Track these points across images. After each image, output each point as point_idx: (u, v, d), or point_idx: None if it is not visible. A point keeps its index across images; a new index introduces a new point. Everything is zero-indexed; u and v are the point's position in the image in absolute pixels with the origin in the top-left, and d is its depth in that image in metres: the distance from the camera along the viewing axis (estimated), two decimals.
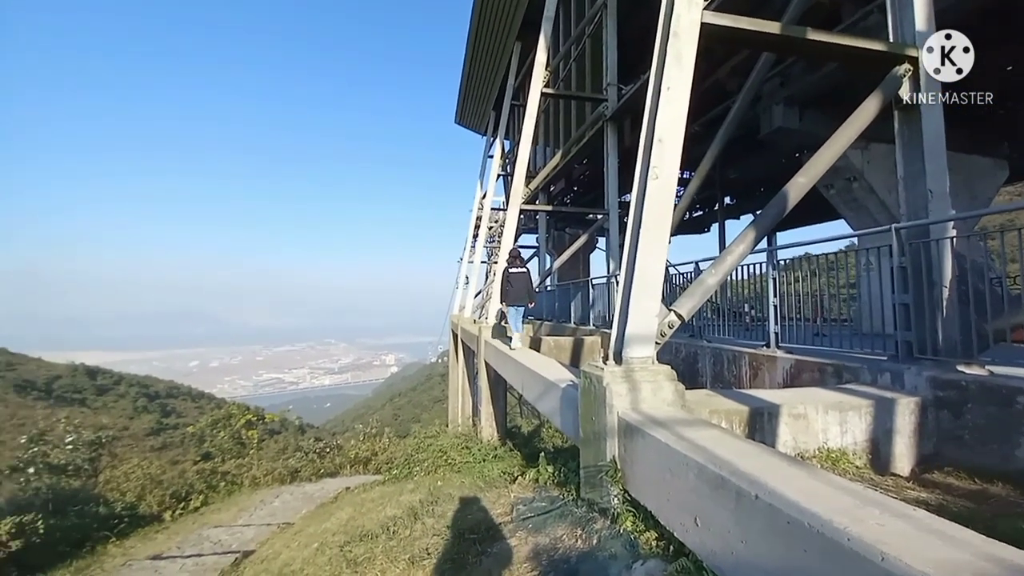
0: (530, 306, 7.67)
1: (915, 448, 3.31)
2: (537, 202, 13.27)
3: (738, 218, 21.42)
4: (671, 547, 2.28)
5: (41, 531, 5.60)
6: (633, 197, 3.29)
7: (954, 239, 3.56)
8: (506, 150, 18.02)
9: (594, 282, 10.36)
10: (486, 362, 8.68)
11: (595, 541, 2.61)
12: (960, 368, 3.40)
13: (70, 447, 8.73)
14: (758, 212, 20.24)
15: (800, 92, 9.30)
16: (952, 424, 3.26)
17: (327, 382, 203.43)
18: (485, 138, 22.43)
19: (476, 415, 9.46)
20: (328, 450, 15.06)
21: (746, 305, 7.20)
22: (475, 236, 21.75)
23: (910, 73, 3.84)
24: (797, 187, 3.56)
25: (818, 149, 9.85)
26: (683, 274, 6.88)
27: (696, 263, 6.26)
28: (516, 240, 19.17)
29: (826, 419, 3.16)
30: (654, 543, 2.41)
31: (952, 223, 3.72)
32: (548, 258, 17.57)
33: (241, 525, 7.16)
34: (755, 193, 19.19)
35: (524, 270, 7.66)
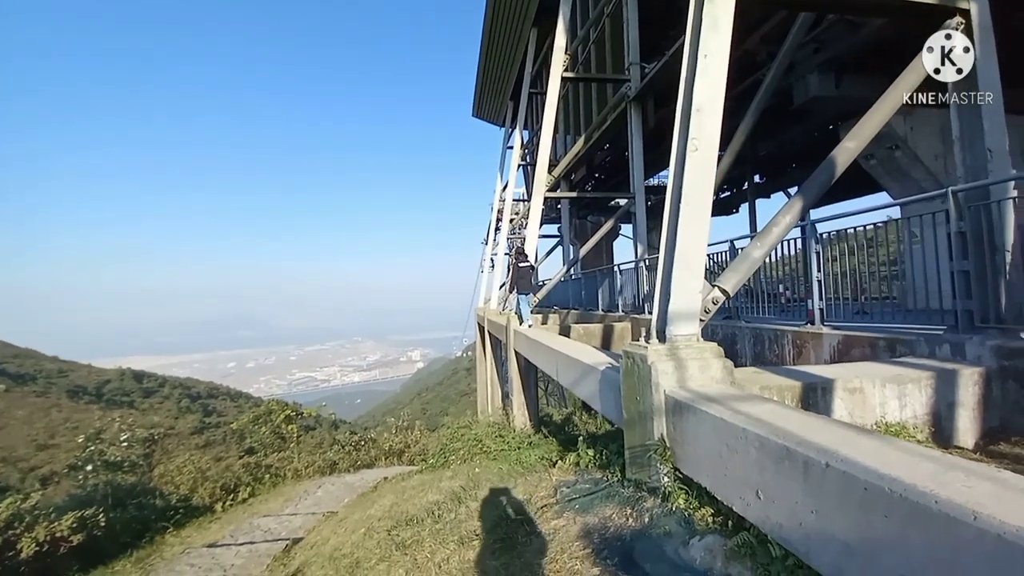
0: (533, 298, 8.73)
1: (980, 421, 3.15)
2: (559, 190, 13.13)
3: (768, 197, 20.70)
4: (729, 522, 2.23)
5: (103, 524, 5.95)
6: (671, 171, 3.20)
7: (1016, 199, 3.32)
8: (525, 140, 17.87)
9: (621, 268, 10.23)
10: (516, 351, 8.70)
11: (646, 520, 2.59)
12: None
13: (125, 444, 9.23)
14: (791, 189, 19.52)
15: (836, 57, 8.85)
16: (1020, 395, 3.07)
17: (357, 379, 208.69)
18: (504, 129, 22.31)
19: (508, 404, 9.52)
20: (363, 443, 15.48)
21: (781, 286, 6.97)
22: (497, 228, 21.76)
23: (963, 26, 3.60)
24: (846, 152, 3.39)
25: (859, 115, 9.36)
26: (717, 254, 6.69)
27: (731, 241, 6.09)
28: (539, 229, 19.13)
29: (884, 393, 3.02)
30: (710, 519, 2.37)
31: (1014, 184, 3.47)
32: (571, 247, 17.42)
33: (288, 514, 7.45)
34: (787, 170, 18.47)
35: (528, 264, 8.79)
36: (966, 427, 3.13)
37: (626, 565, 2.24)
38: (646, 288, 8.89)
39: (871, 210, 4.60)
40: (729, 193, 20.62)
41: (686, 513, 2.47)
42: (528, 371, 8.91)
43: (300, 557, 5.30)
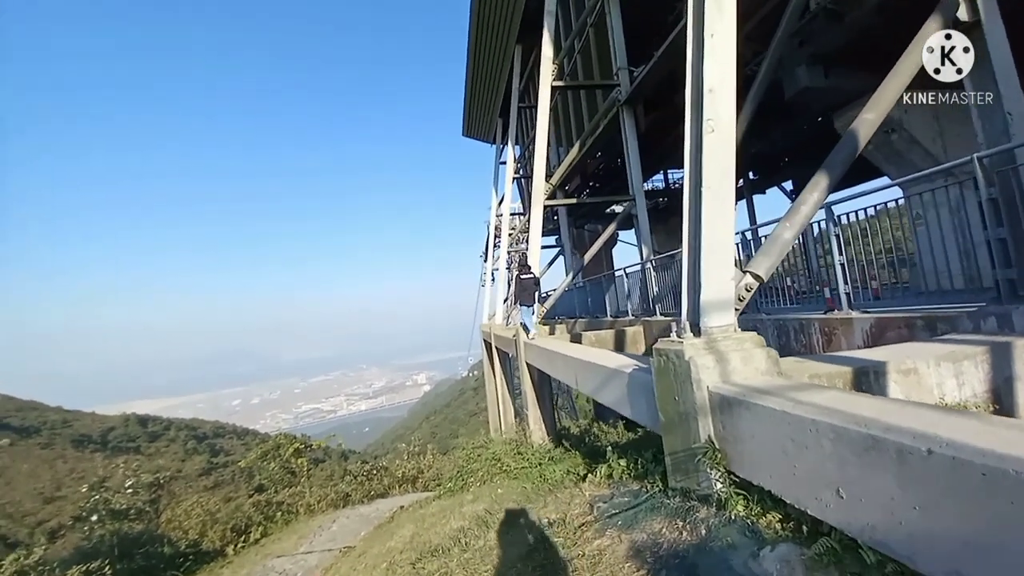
0: (533, 308, 8.76)
1: None
2: (557, 199, 13.06)
3: (764, 192, 20.71)
4: (804, 527, 2.00)
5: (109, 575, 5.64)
6: (687, 158, 3.05)
7: None
8: (517, 155, 17.93)
9: (628, 271, 10.05)
10: (528, 364, 8.46)
11: (703, 532, 2.34)
12: None
13: (130, 491, 8.87)
14: (785, 184, 19.49)
15: (823, 48, 8.88)
16: None
17: (363, 407, 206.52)
18: (495, 146, 22.44)
19: (523, 420, 9.23)
20: (375, 472, 15.07)
21: (788, 279, 6.81)
22: (496, 243, 21.68)
23: None
24: (867, 124, 3.26)
25: (849, 104, 9.26)
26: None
27: (742, 233, 5.93)
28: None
29: (939, 372, 2.81)
30: (778, 526, 2.14)
31: None
32: (572, 256, 17.29)
33: (303, 553, 7.09)
34: (779, 165, 18.52)
35: (531, 276, 8.82)
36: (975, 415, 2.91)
37: None
38: (655, 289, 8.70)
39: (869, 192, 4.45)
40: None
41: (748, 521, 2.23)
42: (542, 383, 8.65)
43: None
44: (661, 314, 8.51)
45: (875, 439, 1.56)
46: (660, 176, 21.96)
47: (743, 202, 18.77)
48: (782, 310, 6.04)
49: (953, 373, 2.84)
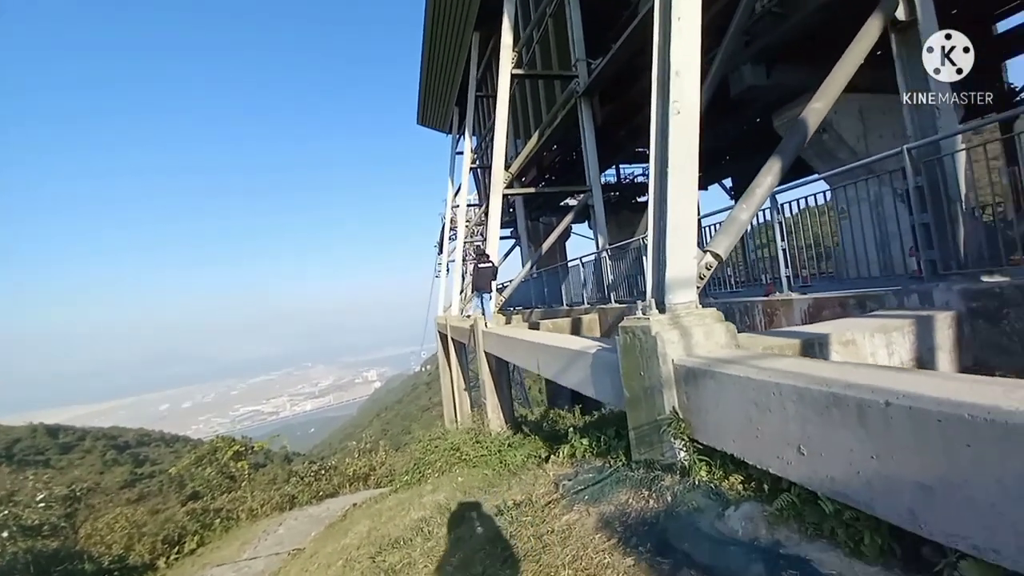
0: (488, 295, 8.91)
1: (957, 361, 3.27)
2: (514, 188, 13.03)
3: (706, 189, 21.86)
4: (764, 487, 2.09)
5: None
6: (653, 139, 3.09)
7: (967, 150, 3.53)
8: (474, 145, 17.70)
9: (584, 260, 10.23)
10: (486, 352, 8.39)
11: (669, 499, 2.40)
12: (984, 279, 3.38)
13: (42, 505, 7.87)
14: (725, 181, 20.61)
15: (766, 48, 9.39)
16: (991, 332, 3.22)
17: (309, 407, 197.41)
18: (451, 136, 22.02)
19: (481, 409, 9.17)
20: (323, 472, 14.44)
21: (728, 269, 7.23)
22: (452, 235, 21.35)
23: None
24: (815, 113, 3.47)
25: (788, 103, 9.77)
26: None
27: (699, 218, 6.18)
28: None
29: (873, 342, 3.06)
30: (740, 487, 2.23)
31: (961, 138, 3.70)
32: (528, 248, 17.38)
33: (247, 559, 6.62)
34: (721, 162, 19.56)
35: (488, 265, 8.86)
36: (946, 368, 3.24)
37: (661, 549, 2.02)
38: (610, 278, 8.91)
39: (803, 184, 4.80)
40: None
41: (711, 485, 2.31)
42: (500, 372, 8.62)
43: None
44: (616, 302, 8.73)
45: (836, 396, 1.64)
46: (612, 171, 22.55)
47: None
48: (726, 295, 6.39)
49: (884, 343, 3.09)
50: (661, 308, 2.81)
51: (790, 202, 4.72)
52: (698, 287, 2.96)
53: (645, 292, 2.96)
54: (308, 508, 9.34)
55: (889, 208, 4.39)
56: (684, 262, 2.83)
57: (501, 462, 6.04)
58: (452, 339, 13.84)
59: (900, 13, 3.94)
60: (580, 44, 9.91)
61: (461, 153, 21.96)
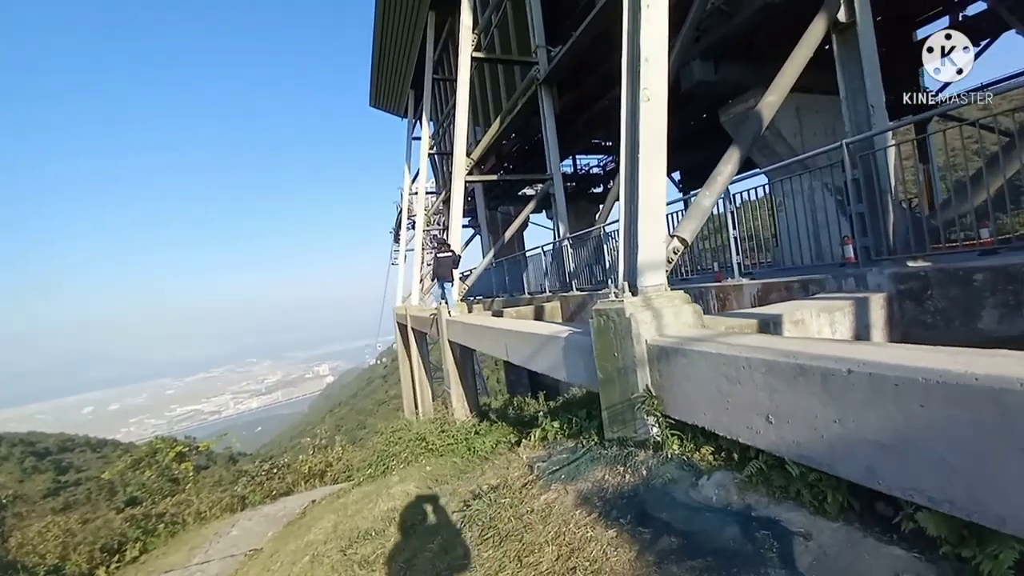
0: (450, 283, 8.93)
1: (888, 337, 3.62)
2: (474, 176, 12.88)
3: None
4: (734, 455, 2.23)
5: None
6: (623, 125, 3.15)
7: (897, 146, 3.87)
8: (431, 132, 17.25)
9: (545, 249, 10.34)
10: (450, 341, 8.33)
11: (644, 473, 2.51)
12: (910, 264, 3.77)
13: None
14: (673, 175, 21.44)
15: (714, 44, 9.79)
16: (916, 311, 3.60)
17: (255, 405, 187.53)
18: (406, 120, 21.33)
19: (446, 399, 9.11)
20: (275, 470, 13.86)
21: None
22: (410, 223, 20.82)
23: None
24: (768, 106, 3.68)
25: (732, 98, 10.22)
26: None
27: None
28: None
29: (819, 321, 3.32)
30: (711, 458, 2.36)
31: (892, 134, 4.05)
32: (488, 237, 17.30)
33: (199, 564, 6.24)
34: (670, 155, 20.31)
35: (449, 254, 8.90)
36: (880, 343, 3.58)
37: (641, 520, 2.12)
38: (572, 266, 9.08)
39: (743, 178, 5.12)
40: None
41: (684, 458, 2.44)
42: (464, 360, 8.59)
43: None
44: (577, 289, 8.92)
45: (802, 367, 1.77)
46: (569, 161, 22.81)
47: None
48: (678, 282, 6.70)
49: (828, 322, 3.37)
50: (634, 291, 2.90)
51: (737, 194, 5.05)
52: (666, 271, 3.08)
53: (615, 277, 3.03)
54: (262, 508, 8.92)
55: (819, 200, 4.77)
56: (655, 246, 2.93)
57: (469, 449, 6.06)
58: (412, 329, 13.59)
59: (841, 15, 4.24)
60: (540, 30, 9.87)
61: (418, 138, 21.35)
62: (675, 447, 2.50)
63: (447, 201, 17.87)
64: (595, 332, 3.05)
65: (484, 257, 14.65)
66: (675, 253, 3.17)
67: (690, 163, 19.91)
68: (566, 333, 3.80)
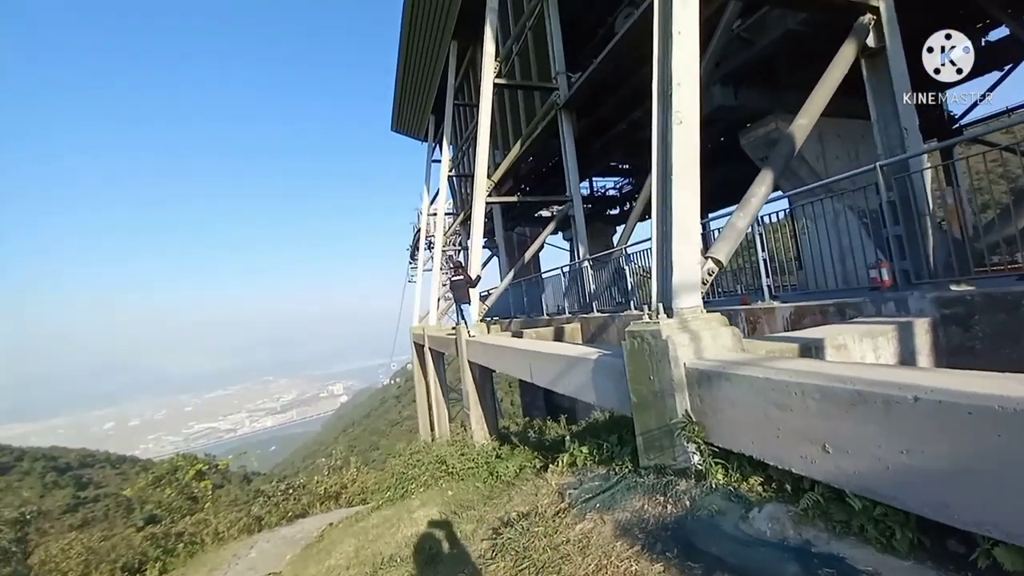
0: (467, 304, 9.01)
1: (934, 363, 3.47)
2: (493, 197, 13.08)
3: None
4: (786, 487, 2.13)
5: None
6: (654, 148, 3.18)
7: (934, 168, 3.80)
8: (451, 155, 17.67)
9: (565, 270, 10.33)
10: (470, 361, 8.29)
11: (687, 503, 2.41)
12: (953, 288, 3.64)
13: None
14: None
15: (734, 71, 9.91)
16: (962, 337, 3.45)
17: (270, 423, 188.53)
18: (426, 144, 21.90)
19: (464, 421, 9.01)
20: (291, 491, 13.80)
21: None
22: (428, 244, 21.12)
23: (874, 21, 4.12)
24: (800, 128, 3.66)
25: (751, 122, 10.25)
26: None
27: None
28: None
29: (862, 346, 3.21)
30: (760, 488, 2.26)
31: (927, 156, 3.99)
32: (506, 258, 17.41)
33: None
34: None
35: (460, 277, 9.10)
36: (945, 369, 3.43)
37: (689, 553, 2.03)
38: (592, 287, 9.03)
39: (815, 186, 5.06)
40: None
41: (730, 488, 2.34)
42: (484, 382, 8.53)
43: None
44: (598, 311, 8.84)
45: (861, 394, 1.70)
46: (585, 184, 23.01)
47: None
48: (710, 304, 6.59)
49: (872, 347, 3.26)
50: (669, 313, 2.86)
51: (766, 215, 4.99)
52: (701, 293, 3.04)
53: (638, 298, 3.00)
54: (280, 529, 8.85)
55: (844, 224, 4.68)
56: (689, 267, 2.90)
57: (492, 474, 5.94)
58: (430, 349, 13.59)
59: (870, 41, 4.25)
60: (560, 57, 10.14)
61: (437, 161, 21.87)
62: (719, 476, 2.41)
63: (465, 222, 18.12)
64: (628, 354, 3.00)
65: (502, 278, 14.71)
66: (710, 275, 3.12)
67: (708, 187, 19.93)
68: (595, 355, 3.74)
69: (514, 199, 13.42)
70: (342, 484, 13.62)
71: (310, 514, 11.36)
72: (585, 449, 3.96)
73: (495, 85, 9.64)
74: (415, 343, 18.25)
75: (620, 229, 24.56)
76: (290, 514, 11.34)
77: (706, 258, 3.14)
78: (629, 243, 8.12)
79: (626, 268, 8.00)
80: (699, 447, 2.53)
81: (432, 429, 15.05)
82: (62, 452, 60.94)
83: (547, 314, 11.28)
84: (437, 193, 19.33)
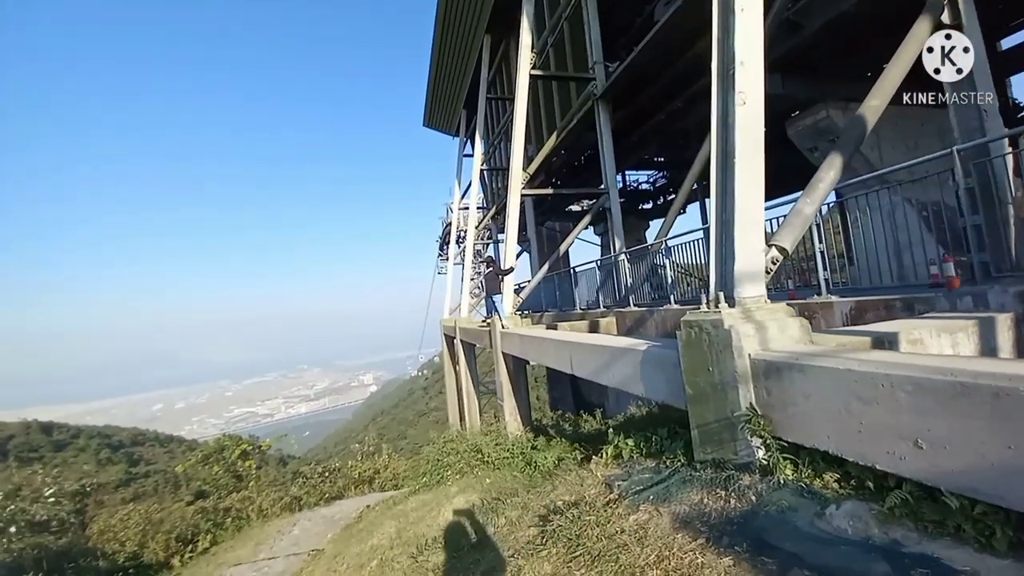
0: (499, 296, 9.46)
1: None
2: (527, 189, 13.02)
3: (709, 197, 21.93)
4: (867, 484, 2.02)
5: None
6: (713, 131, 3.06)
7: (1016, 153, 3.51)
8: (483, 148, 17.67)
9: (600, 263, 10.20)
10: (504, 353, 8.31)
11: (752, 498, 2.32)
12: None
13: (52, 500, 7.70)
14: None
15: (780, 58, 9.46)
16: None
17: (304, 410, 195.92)
18: (458, 139, 22.02)
19: (498, 412, 9.06)
20: (327, 474, 14.31)
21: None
22: (459, 238, 21.30)
23: None
24: (872, 110, 3.46)
25: (798, 111, 9.80)
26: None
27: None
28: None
29: (939, 342, 3.01)
30: (836, 485, 2.16)
31: (1007, 140, 3.68)
32: (538, 252, 17.34)
33: (265, 559, 6.47)
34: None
35: (491, 270, 9.66)
36: None
37: (759, 549, 1.95)
38: (629, 280, 8.87)
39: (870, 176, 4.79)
40: (674, 196, 21.62)
41: (801, 484, 2.24)
42: (518, 373, 8.54)
43: None
44: (635, 305, 8.68)
45: (964, 386, 1.58)
46: (618, 177, 22.59)
47: (695, 204, 19.76)
48: None
49: (950, 343, 3.05)
50: (731, 302, 2.76)
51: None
52: (765, 282, 2.91)
53: (707, 287, 2.90)
54: (320, 509, 9.19)
55: (902, 218, 4.38)
56: (754, 254, 2.78)
57: (529, 464, 5.95)
58: (461, 341, 13.73)
59: (945, 17, 3.94)
60: (598, 47, 9.94)
61: (468, 156, 21.96)
62: (788, 472, 2.31)
63: (497, 216, 18.13)
64: (684, 345, 2.92)
65: (533, 273, 14.66)
66: (774, 264, 2.99)
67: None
68: (644, 346, 3.66)
69: (549, 191, 13.31)
70: (375, 470, 14.02)
71: (345, 496, 11.75)
72: (631, 442, 3.90)
73: (531, 76, 9.55)
74: (445, 335, 18.48)
75: (654, 224, 24.04)
76: (327, 496, 11.76)
77: (769, 246, 3.00)
78: (669, 236, 7.93)
79: (666, 262, 7.82)
80: (765, 441, 2.44)
81: (461, 420, 15.24)
82: (115, 431, 65.18)
83: (580, 308, 11.17)
84: (468, 187, 19.42)
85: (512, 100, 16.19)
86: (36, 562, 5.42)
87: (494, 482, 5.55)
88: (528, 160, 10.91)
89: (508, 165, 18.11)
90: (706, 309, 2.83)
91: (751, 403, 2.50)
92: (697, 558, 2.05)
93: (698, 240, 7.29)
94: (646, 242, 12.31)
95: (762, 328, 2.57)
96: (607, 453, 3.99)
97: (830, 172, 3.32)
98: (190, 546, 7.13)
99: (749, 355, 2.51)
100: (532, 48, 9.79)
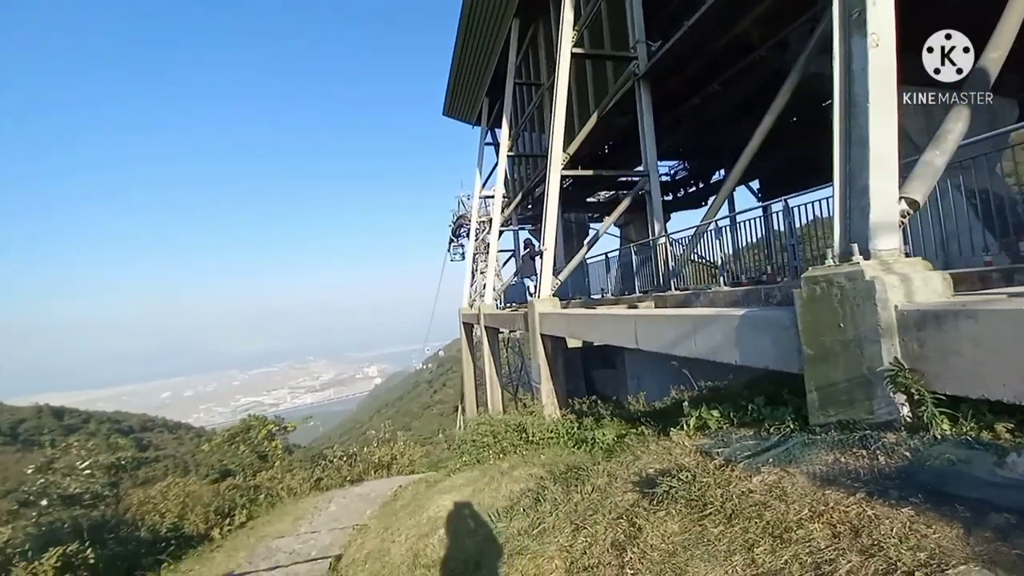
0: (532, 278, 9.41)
1: None
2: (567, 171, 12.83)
3: (734, 190, 21.61)
4: None
5: (92, 562, 4.74)
6: (837, 78, 2.89)
7: None
8: (510, 134, 17.45)
9: (635, 248, 10.01)
10: (543, 335, 8.17)
11: (906, 454, 2.17)
12: None
13: (87, 473, 7.70)
14: (752, 183, 20.27)
15: (828, 31, 9.18)
16: None
17: (309, 400, 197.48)
18: (479, 128, 21.82)
19: (535, 395, 8.94)
20: (346, 458, 14.37)
21: (769, 267, 7.03)
22: (480, 228, 21.14)
23: None
24: (993, 62, 3.26)
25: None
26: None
27: (732, 216, 5.93)
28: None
29: None
30: (1010, 436, 2.00)
31: None
32: (564, 240, 17.13)
33: (308, 532, 6.41)
34: (752, 161, 19.30)
35: (528, 251, 10.12)
36: None
37: (939, 498, 1.80)
38: (671, 264, 8.69)
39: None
40: (695, 189, 21.31)
41: (965, 438, 2.09)
42: (555, 356, 8.41)
43: (360, 573, 4.45)
44: (677, 289, 8.50)
45: None
46: (640, 167, 22.29)
47: (707, 200, 19.49)
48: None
49: None
50: (866, 255, 2.59)
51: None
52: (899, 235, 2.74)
53: (832, 242, 2.73)
54: (352, 488, 9.14)
55: (950, 205, 4.16)
56: (889, 205, 2.62)
57: (580, 442, 5.82)
58: (486, 327, 13.61)
59: None
60: (640, 25, 9.70)
61: (490, 144, 21.76)
62: (945, 427, 2.15)
63: (521, 203, 17.90)
64: (805, 303, 2.76)
65: (570, 259, 14.48)
66: (903, 217, 2.81)
67: (773, 167, 18.77)
68: (740, 312, 3.50)
69: (590, 172, 13.07)
70: (392, 455, 14.01)
71: (366, 480, 11.74)
72: (715, 413, 3.76)
73: (573, 55, 9.34)
74: (464, 323, 18.39)
75: (674, 216, 23.72)
76: (348, 478, 11.76)
77: (901, 197, 2.82)
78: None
79: (716, 243, 7.63)
80: (913, 396, 2.28)
81: (483, 407, 15.16)
82: (125, 416, 66.09)
83: (612, 294, 11.00)
84: (491, 173, 19.25)
85: (540, 85, 15.97)
86: (76, 532, 5.37)
87: (551, 458, 5.43)
88: (568, 140, 10.69)
89: (534, 152, 17.92)
90: (834, 263, 2.67)
91: (896, 357, 2.34)
92: (866, 510, 1.89)
93: (756, 219, 7.03)
94: (668, 233, 12.09)
95: (907, 280, 2.40)
96: (689, 425, 3.85)
97: (958, 124, 3.13)
98: (227, 519, 7.09)
99: (895, 307, 2.35)
100: (574, 25, 9.57)
